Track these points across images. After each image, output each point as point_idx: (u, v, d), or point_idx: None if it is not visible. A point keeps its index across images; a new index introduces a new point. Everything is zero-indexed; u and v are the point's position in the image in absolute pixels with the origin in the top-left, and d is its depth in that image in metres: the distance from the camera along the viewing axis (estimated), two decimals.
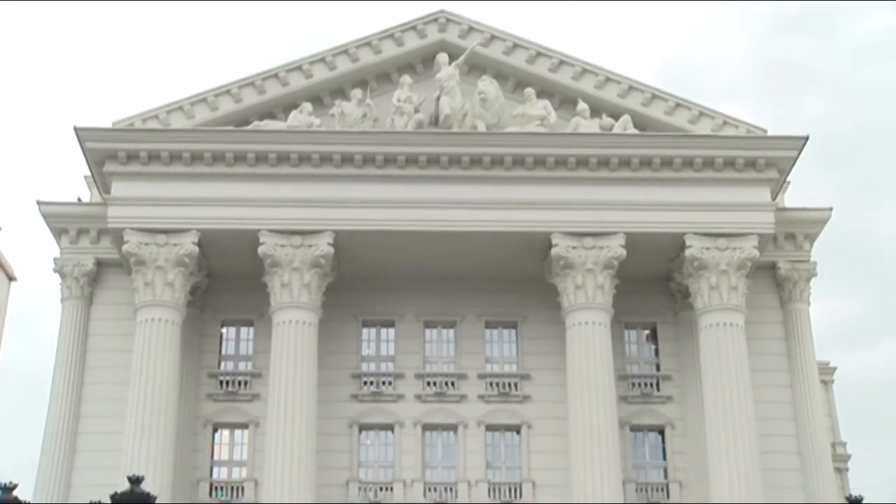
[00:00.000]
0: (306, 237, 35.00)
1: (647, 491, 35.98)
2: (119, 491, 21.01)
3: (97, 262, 37.29)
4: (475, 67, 37.42)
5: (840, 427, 41.25)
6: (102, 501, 20.42)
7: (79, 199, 39.06)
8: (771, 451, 35.10)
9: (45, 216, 37.49)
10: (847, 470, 40.23)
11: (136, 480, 21.01)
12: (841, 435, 40.94)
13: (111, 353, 36.19)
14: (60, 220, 37.61)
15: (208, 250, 35.95)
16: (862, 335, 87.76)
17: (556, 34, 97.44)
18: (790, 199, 38.96)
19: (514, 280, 37.57)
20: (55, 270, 37.52)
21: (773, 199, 36.51)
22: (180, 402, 34.59)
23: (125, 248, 35.06)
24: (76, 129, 35.36)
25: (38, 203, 37.11)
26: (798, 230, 37.77)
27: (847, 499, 22.42)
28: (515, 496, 35.68)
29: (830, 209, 37.54)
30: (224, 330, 38.06)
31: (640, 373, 37.63)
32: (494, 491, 35.79)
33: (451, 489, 35.77)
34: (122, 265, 36.33)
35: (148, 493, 21.15)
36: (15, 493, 20.36)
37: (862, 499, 22.09)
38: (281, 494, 32.57)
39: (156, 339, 34.18)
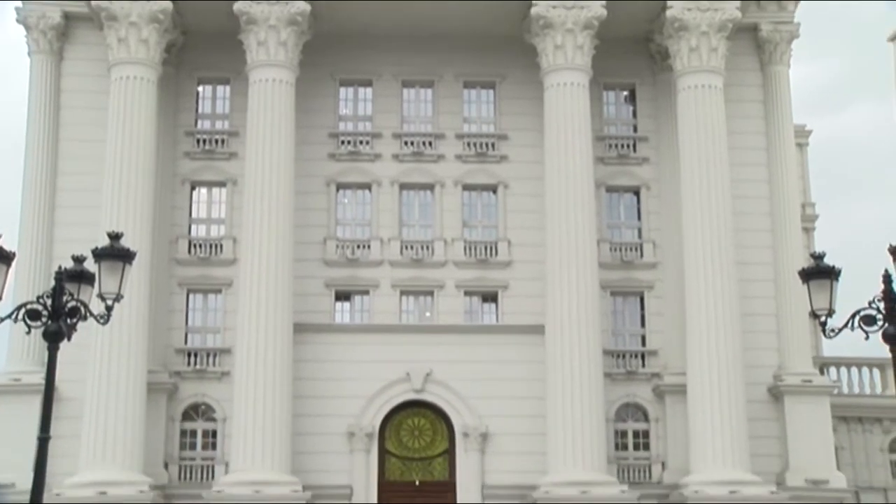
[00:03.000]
0: None
1: (620, 250, 36.71)
2: (99, 246, 21.26)
3: (64, 14, 36.40)
4: None
5: (811, 188, 41.86)
6: (84, 255, 20.69)
7: None
8: (743, 212, 35.69)
9: None
10: (814, 229, 41.13)
11: (115, 236, 21.21)
12: (811, 196, 41.59)
13: (86, 110, 35.92)
14: None
15: (182, 6, 35.16)
16: (838, 98, 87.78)
17: None
18: None
19: (493, 40, 37.11)
20: (18, 21, 36.68)
21: None
22: (157, 160, 34.64)
23: (94, 2, 34.25)
24: None
25: None
26: None
27: (811, 255, 22.90)
28: (491, 254, 36.40)
29: None
30: (200, 88, 37.72)
31: (617, 134, 37.77)
32: (470, 249, 36.48)
33: (427, 247, 36.43)
34: (92, 20, 35.57)
35: (127, 249, 21.41)
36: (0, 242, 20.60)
37: (825, 255, 22.58)
38: (259, 251, 33.14)
39: (131, 97, 33.88)
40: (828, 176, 57.84)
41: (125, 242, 21.95)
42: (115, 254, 20.75)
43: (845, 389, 37.77)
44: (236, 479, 31.53)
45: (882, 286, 21.31)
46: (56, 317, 19.41)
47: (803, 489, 33.77)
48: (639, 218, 37.39)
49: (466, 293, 36.38)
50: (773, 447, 34.78)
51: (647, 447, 35.48)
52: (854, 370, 38.21)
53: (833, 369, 38.17)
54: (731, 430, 32.25)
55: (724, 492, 31.64)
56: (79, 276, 20.21)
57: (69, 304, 19.61)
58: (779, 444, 34.93)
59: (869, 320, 21.40)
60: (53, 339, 19.53)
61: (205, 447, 34.76)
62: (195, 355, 35.34)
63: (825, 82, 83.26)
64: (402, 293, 36.36)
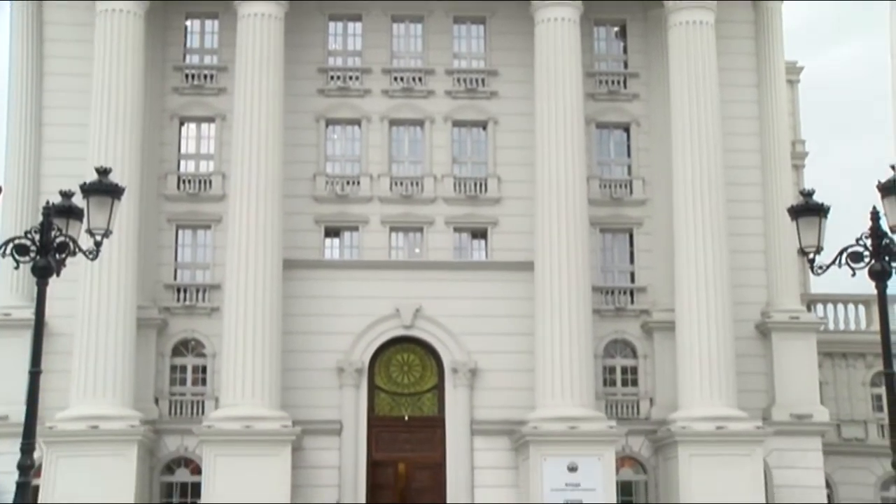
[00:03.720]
0: None
1: (610, 187, 36.69)
2: (87, 181, 21.19)
3: None
4: None
5: (801, 125, 41.76)
6: (72, 191, 20.61)
7: None
8: (733, 149, 35.64)
9: None
10: (804, 167, 41.15)
11: (103, 171, 21.13)
12: (802, 133, 41.54)
13: (71, 44, 35.54)
14: None
15: None
16: (830, 34, 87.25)
17: None
18: None
19: None
20: None
21: None
22: (145, 95, 34.38)
23: None
24: None
25: None
26: None
27: (801, 192, 22.94)
28: (481, 191, 36.36)
29: None
30: (189, 23, 37.35)
31: (607, 70, 37.55)
32: (460, 185, 36.42)
33: (417, 183, 36.37)
34: None
35: (116, 184, 21.32)
36: None
37: (814, 192, 22.62)
38: (248, 187, 33.07)
39: (118, 31, 33.54)
40: (819, 112, 57.66)
41: (113, 178, 21.88)
42: (104, 189, 20.68)
43: (831, 326, 38.11)
44: (226, 415, 31.74)
45: (870, 223, 21.39)
46: (45, 252, 19.39)
47: (788, 423, 34.17)
48: (628, 155, 37.32)
49: (456, 229, 36.41)
50: (759, 383, 35.10)
51: (635, 383, 35.76)
52: (840, 307, 38.53)
53: (820, 306, 38.46)
54: (719, 367, 32.52)
55: (711, 427, 31.99)
56: (67, 211, 20.16)
57: (58, 240, 19.58)
58: (765, 379, 35.24)
59: (856, 257, 21.51)
60: (42, 274, 19.52)
61: (195, 382, 34.93)
62: (185, 291, 35.39)
63: (818, 18, 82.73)
64: (392, 229, 36.37)
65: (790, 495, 33.77)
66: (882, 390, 33.35)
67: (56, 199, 20.35)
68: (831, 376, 37.68)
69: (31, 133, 35.28)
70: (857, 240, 21.53)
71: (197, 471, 32.68)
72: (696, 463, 31.81)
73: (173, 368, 34.97)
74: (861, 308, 38.16)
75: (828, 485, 35.13)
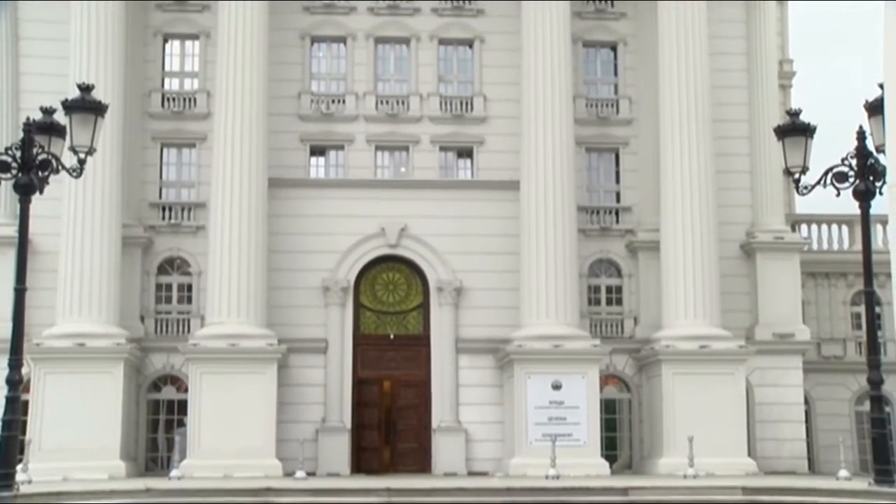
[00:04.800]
0: None
1: (596, 106, 36.54)
2: (70, 98, 21.01)
3: None
4: None
5: (790, 45, 41.45)
6: (53, 107, 20.44)
7: None
8: (720, 69, 35.40)
9: None
10: (791, 86, 40.94)
11: (86, 88, 20.96)
12: (790, 52, 41.26)
13: None
14: None
15: None
16: None
17: None
18: None
19: None
20: None
21: None
22: (127, 10, 33.78)
23: None
24: None
25: None
26: None
27: (787, 112, 22.96)
28: (466, 110, 36.17)
29: None
30: None
31: None
32: (446, 104, 36.22)
33: (403, 102, 36.14)
34: None
35: (99, 102, 21.16)
36: None
37: (800, 112, 22.61)
38: (233, 105, 32.79)
39: None
40: (808, 31, 57.31)
41: (96, 95, 21.73)
42: (87, 106, 20.54)
43: (815, 246, 38.30)
44: (212, 333, 31.86)
45: (856, 143, 21.41)
46: (27, 169, 19.30)
47: (770, 343, 34.53)
48: (615, 74, 37.12)
49: (442, 148, 36.28)
50: (743, 303, 35.37)
51: (619, 302, 35.98)
52: (824, 227, 38.67)
53: (804, 226, 38.60)
54: (703, 286, 32.72)
55: (695, 346, 32.28)
56: (49, 128, 20.03)
57: (40, 157, 19.48)
58: (749, 299, 35.51)
59: (841, 177, 21.59)
60: (25, 191, 19.46)
61: (180, 301, 34.99)
62: (170, 210, 35.29)
63: None
64: (378, 148, 36.23)
65: (770, 412, 34.26)
66: (862, 309, 33.74)
67: (37, 116, 20.18)
68: (813, 296, 37.97)
69: (8, 47, 34.71)
70: (843, 160, 21.59)
71: (183, 388, 32.90)
72: (679, 381, 32.15)
73: (159, 287, 34.99)
74: (845, 228, 38.32)
75: (806, 401, 35.64)
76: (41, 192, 19.89)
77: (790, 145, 22.44)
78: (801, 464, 34.06)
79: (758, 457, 32.68)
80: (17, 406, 20.68)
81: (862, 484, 23.10)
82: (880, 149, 20.63)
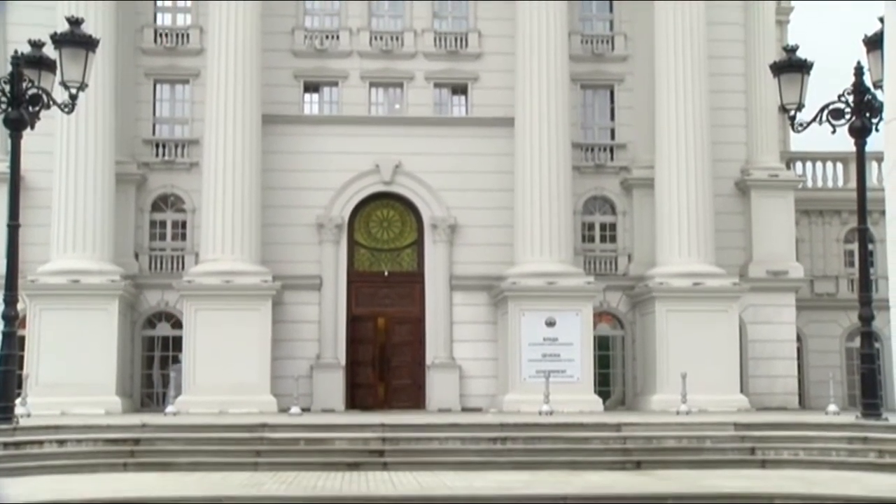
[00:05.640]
0: None
1: (592, 43, 36.27)
2: (59, 31, 20.82)
3: None
4: None
5: None
6: (41, 41, 20.26)
7: None
8: (716, 4, 35.03)
9: None
10: (788, 22, 40.66)
11: (75, 21, 20.77)
12: None
13: None
14: None
15: None
16: None
17: None
18: None
19: None
20: None
21: None
22: None
23: None
24: None
25: None
26: None
27: (784, 49, 22.83)
28: (461, 46, 35.91)
29: None
30: None
31: None
32: (440, 40, 35.94)
33: (397, 38, 35.86)
34: None
35: (90, 36, 20.99)
36: None
37: (797, 48, 22.49)
38: (226, 41, 32.41)
39: None
40: None
41: (86, 29, 21.51)
42: (77, 40, 20.38)
43: (809, 184, 38.29)
44: (206, 270, 31.88)
45: (853, 79, 21.28)
46: (16, 104, 19.15)
47: (764, 280, 34.65)
48: (611, 10, 36.82)
49: (436, 85, 36.07)
50: (737, 240, 35.42)
51: (613, 240, 36.02)
52: (819, 164, 38.64)
53: (799, 164, 38.56)
54: (697, 224, 32.73)
55: (689, 283, 32.37)
56: (38, 62, 19.86)
57: (30, 91, 19.33)
58: (743, 237, 35.56)
59: (837, 114, 21.53)
60: (15, 126, 19.36)
61: (174, 238, 34.97)
62: (163, 146, 35.13)
63: None
64: (372, 84, 36.01)
65: (762, 350, 34.48)
66: (855, 246, 33.89)
67: (25, 49, 19.98)
68: (807, 233, 38.06)
69: None
70: (840, 96, 21.50)
71: (178, 325, 32.98)
72: (672, 318, 32.28)
73: (153, 224, 34.96)
74: (839, 166, 38.29)
75: (798, 338, 35.89)
76: (32, 127, 19.80)
77: (786, 82, 22.36)
78: (792, 400, 34.38)
79: (750, 393, 32.94)
80: (14, 341, 20.79)
81: (850, 418, 23.35)
82: (878, 84, 20.55)
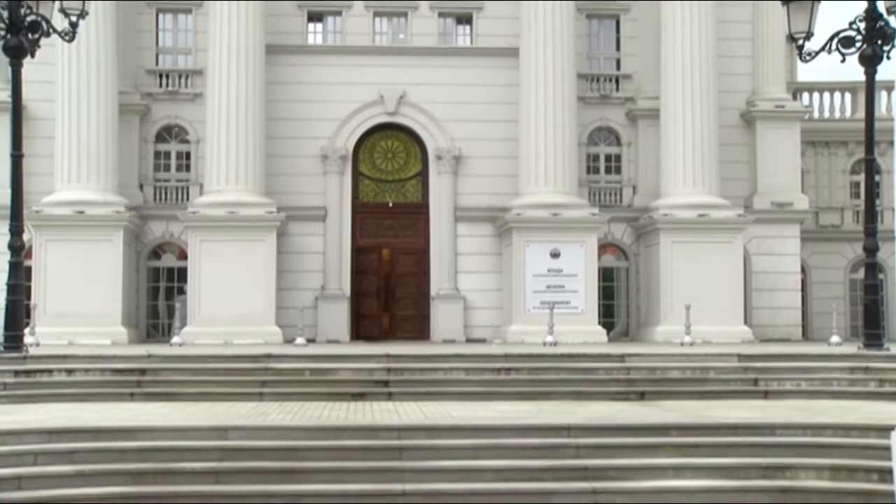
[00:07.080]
0: None
1: None
2: None
3: None
4: None
5: None
6: None
7: None
8: None
9: None
10: None
11: None
12: None
13: None
14: None
15: None
16: None
17: None
18: None
19: None
20: None
21: None
22: None
23: None
24: None
25: None
26: None
27: None
28: None
29: None
30: None
31: None
32: None
33: None
34: None
35: None
36: None
37: None
38: None
39: None
40: None
41: None
42: None
43: (816, 114, 38.03)
44: (211, 201, 31.84)
45: (866, 4, 20.95)
46: (15, 31, 18.96)
47: (769, 212, 34.59)
48: None
49: (441, 14, 35.72)
50: (742, 172, 35.29)
51: (618, 171, 35.90)
52: (826, 94, 38.32)
53: (805, 94, 38.27)
54: (703, 155, 32.59)
55: (693, 215, 32.32)
56: None
57: (29, 18, 19.12)
58: (748, 168, 35.43)
59: (847, 42, 21.26)
60: (15, 54, 19.19)
61: (179, 169, 34.89)
62: (167, 76, 34.89)
63: None
64: (376, 14, 35.66)
65: (766, 281, 34.53)
66: (860, 178, 33.73)
67: None
68: (813, 164, 37.88)
69: None
70: (851, 23, 21.22)
71: (183, 256, 33.04)
72: (677, 250, 32.29)
73: (157, 154, 34.84)
74: (847, 96, 37.96)
75: (802, 270, 35.90)
76: (32, 55, 19.64)
77: (794, 10, 22.08)
78: (795, 331, 34.50)
79: (753, 325, 33.05)
80: (21, 271, 20.85)
81: (851, 348, 23.45)
82: (892, 10, 20.29)
